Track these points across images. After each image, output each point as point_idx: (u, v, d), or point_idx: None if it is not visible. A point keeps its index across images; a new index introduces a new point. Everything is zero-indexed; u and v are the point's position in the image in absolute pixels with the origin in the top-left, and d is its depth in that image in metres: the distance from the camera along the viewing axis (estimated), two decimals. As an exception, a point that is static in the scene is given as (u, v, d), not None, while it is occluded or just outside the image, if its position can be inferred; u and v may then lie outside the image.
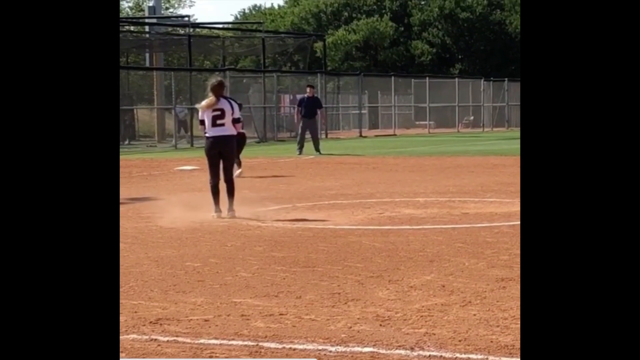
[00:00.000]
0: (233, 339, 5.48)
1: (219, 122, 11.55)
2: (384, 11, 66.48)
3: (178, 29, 44.14)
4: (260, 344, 5.37)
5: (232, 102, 11.81)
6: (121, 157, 28.04)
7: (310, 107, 26.07)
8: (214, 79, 11.90)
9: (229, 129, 11.60)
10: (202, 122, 11.74)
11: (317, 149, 25.78)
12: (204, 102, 11.73)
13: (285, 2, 73.93)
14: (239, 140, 26.28)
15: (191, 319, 6.01)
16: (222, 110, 11.57)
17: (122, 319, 6.02)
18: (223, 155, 11.65)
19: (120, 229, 10.44)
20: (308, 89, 26.85)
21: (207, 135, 11.57)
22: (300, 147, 25.89)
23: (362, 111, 45.14)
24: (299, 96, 31.79)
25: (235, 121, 11.66)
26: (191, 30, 41.80)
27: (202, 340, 5.47)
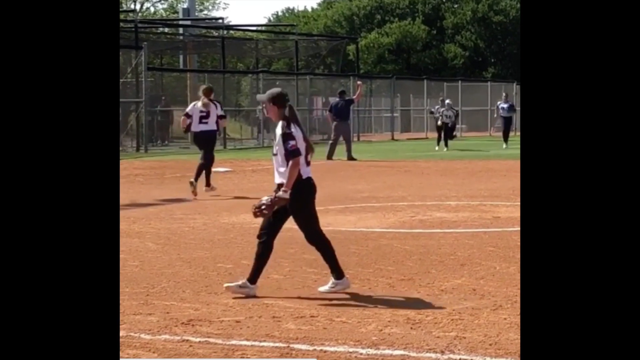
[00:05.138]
0: (264, 340, 5.52)
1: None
2: (416, 14, 66.34)
3: (212, 31, 44.21)
4: (292, 345, 5.41)
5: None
6: (155, 158, 28.12)
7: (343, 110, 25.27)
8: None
9: None
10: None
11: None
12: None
13: (319, 5, 74.01)
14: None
15: (223, 320, 6.05)
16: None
17: (154, 319, 6.08)
18: None
19: (153, 230, 10.57)
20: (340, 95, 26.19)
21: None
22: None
23: (395, 114, 45.07)
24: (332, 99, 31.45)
25: None
26: (225, 32, 41.90)
27: (233, 342, 5.51)
